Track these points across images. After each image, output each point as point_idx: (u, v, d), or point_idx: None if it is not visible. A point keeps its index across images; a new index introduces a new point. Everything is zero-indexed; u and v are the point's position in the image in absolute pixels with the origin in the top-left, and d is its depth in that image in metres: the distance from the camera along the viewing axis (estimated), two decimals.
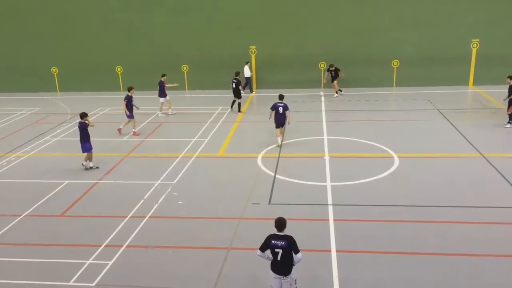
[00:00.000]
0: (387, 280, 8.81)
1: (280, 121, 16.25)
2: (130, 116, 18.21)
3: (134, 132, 18.39)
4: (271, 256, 7.64)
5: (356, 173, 13.66)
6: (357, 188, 12.77)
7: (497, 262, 9.26)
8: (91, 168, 14.74)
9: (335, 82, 23.66)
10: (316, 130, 17.99)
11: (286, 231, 7.63)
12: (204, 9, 25.15)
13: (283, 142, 16.57)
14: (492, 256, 9.42)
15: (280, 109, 16.17)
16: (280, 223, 7.58)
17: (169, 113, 21.31)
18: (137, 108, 18.62)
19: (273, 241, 7.52)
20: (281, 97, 16.53)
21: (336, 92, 23.86)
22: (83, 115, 14.65)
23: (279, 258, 7.51)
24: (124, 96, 18.28)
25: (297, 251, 7.47)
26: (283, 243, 7.46)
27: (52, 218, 11.75)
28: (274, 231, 7.61)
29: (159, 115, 21.22)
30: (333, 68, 23.49)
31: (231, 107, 21.54)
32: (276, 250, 7.49)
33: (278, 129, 16.37)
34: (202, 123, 19.53)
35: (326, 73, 24.20)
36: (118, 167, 14.97)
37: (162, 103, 21.23)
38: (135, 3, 25.53)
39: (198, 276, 9.16)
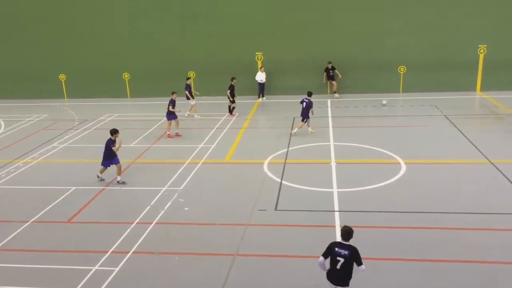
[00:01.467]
0: (395, 287, 8.75)
1: (302, 114, 18.12)
2: (173, 117, 18.65)
3: (176, 133, 18.83)
4: (328, 266, 7.60)
5: (362, 180, 13.62)
6: (363, 195, 12.71)
7: (507, 269, 9.18)
8: (101, 179, 14.47)
9: (335, 82, 24.35)
10: (323, 136, 17.95)
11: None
12: (211, 16, 25.22)
13: (291, 148, 16.61)
14: (501, 263, 9.33)
15: (304, 104, 18.05)
16: (347, 233, 7.51)
17: (186, 115, 21.60)
18: (179, 111, 19.03)
19: (336, 249, 7.48)
20: (309, 94, 18.41)
21: (335, 92, 24.51)
22: (113, 132, 14.03)
23: (338, 266, 7.46)
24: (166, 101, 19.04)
25: (359, 263, 7.41)
26: (346, 252, 7.40)
27: (59, 224, 11.80)
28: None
29: (196, 116, 21.77)
30: (331, 67, 24.20)
31: (232, 113, 21.87)
32: (338, 258, 7.44)
33: (301, 122, 18.16)
34: (209, 129, 19.56)
35: (324, 73, 24.59)
36: (124, 174, 14.99)
37: (193, 105, 21.64)
38: (142, 10, 25.66)
39: (204, 282, 9.15)
